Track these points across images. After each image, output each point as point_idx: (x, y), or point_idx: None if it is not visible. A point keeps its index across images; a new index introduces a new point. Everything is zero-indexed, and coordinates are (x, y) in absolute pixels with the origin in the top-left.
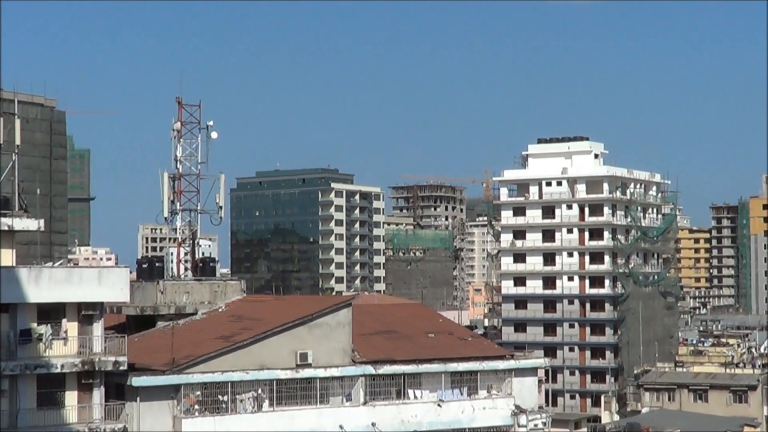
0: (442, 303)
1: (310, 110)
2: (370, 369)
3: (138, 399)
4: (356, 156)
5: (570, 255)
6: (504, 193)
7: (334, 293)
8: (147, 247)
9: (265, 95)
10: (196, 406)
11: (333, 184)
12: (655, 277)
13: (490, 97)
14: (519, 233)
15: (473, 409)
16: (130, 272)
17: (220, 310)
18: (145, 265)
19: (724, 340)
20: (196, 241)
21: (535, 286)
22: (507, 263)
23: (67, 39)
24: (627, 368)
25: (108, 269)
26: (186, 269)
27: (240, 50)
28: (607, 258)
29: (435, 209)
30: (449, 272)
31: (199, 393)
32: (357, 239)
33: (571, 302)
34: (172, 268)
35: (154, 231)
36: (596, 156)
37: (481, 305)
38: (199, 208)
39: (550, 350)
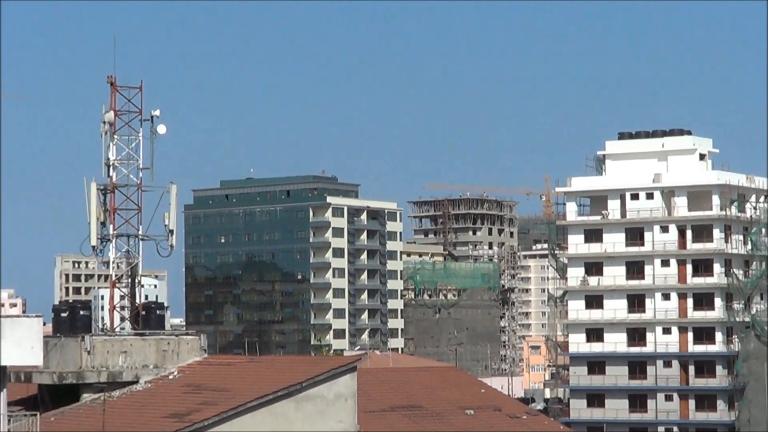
0: (485, 366)
1: (297, 96)
2: None
3: None
4: (361, 159)
5: (666, 297)
6: (572, 209)
7: (332, 353)
8: (67, 289)
9: (232, 74)
10: None
11: (330, 198)
12: None
13: (551, 78)
14: (593, 266)
15: None
16: (44, 324)
17: (171, 377)
18: (64, 314)
19: None
20: (136, 280)
21: (616, 342)
22: (576, 309)
23: None
24: None
25: (12, 320)
26: (123, 319)
27: (200, 12)
28: (718, 301)
29: (474, 233)
30: (495, 322)
31: None
32: (364, 276)
33: (667, 364)
34: (103, 318)
35: (77, 265)
36: (702, 157)
37: (540, 369)
38: (140, 232)
39: None
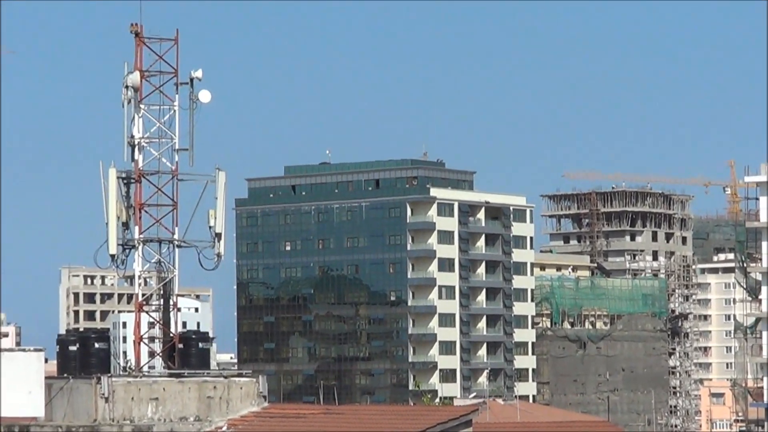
0: (647, 420)
1: (390, 52)
2: None
3: None
4: (477, 138)
5: None
6: (767, 205)
7: (438, 402)
8: (77, 313)
9: (299, 22)
10: None
11: (434, 190)
12: None
13: (738, 26)
14: None
15: None
16: (46, 360)
17: None
18: (73, 347)
19: None
20: (171, 302)
21: None
22: None
23: None
24: None
25: (3, 355)
26: (152, 355)
27: None
28: None
29: (633, 238)
30: (662, 361)
31: None
32: (482, 297)
33: None
34: (125, 353)
35: (90, 281)
36: None
37: (724, 425)
38: (176, 236)
39: None
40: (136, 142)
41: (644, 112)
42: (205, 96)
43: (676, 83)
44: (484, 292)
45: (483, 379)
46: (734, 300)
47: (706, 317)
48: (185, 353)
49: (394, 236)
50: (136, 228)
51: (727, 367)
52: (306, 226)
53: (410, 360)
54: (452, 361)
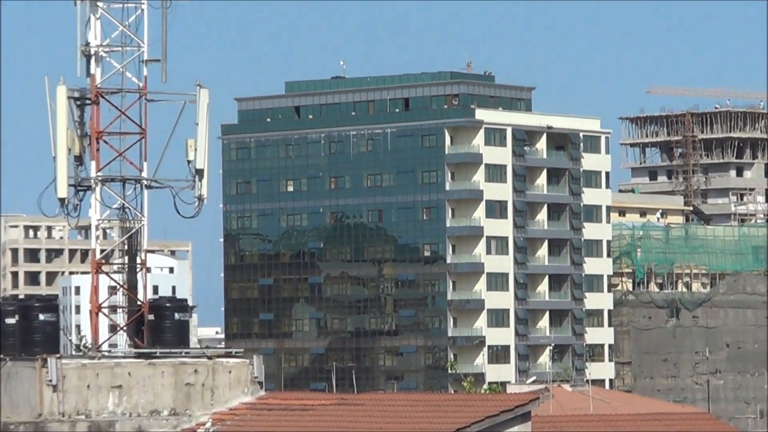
0: (759, 411)
1: None
2: None
3: None
4: (535, 46)
5: None
6: None
7: (486, 388)
8: (16, 274)
9: None
10: None
11: (480, 112)
12: None
13: None
14: None
15: None
16: None
17: (200, 431)
18: (12, 320)
19: None
20: (138, 260)
21: None
22: None
23: None
24: None
25: None
26: (115, 329)
27: None
28: None
29: (740, 173)
30: None
31: None
32: (542, 251)
33: None
34: (79, 327)
35: (32, 234)
36: None
37: None
38: (144, 174)
39: None
40: (92, 52)
41: (753, 8)
42: None
43: None
44: (546, 244)
45: (545, 358)
46: None
47: None
48: (157, 327)
49: (429, 172)
50: (93, 163)
51: None
52: (314, 160)
53: (450, 334)
54: (505, 336)
